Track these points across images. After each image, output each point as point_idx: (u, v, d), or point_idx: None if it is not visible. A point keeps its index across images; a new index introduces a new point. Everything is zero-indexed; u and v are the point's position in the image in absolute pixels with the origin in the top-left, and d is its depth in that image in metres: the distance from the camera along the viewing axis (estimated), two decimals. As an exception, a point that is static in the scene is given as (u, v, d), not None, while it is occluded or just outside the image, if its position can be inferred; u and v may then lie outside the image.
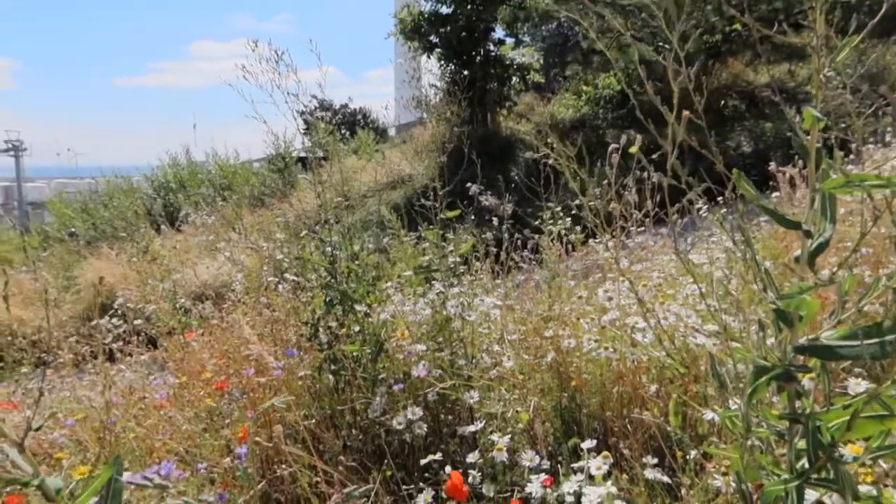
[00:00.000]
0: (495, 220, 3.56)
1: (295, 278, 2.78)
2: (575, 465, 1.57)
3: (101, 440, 2.10)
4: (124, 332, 3.45)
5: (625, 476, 1.64)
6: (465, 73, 12.89)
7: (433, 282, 2.44)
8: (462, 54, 12.81)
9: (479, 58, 12.91)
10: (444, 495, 1.53)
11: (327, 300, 2.29)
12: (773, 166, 3.86)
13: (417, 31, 12.84)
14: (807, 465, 0.77)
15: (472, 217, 3.31)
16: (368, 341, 2.22)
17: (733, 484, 0.92)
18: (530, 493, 1.51)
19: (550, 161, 1.22)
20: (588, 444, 1.59)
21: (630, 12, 10.92)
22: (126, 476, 1.14)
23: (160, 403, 2.39)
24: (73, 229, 14.43)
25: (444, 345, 2.25)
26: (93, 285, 8.36)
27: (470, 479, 1.69)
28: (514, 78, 13.41)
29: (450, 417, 2.16)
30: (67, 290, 9.45)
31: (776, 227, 3.34)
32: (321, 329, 2.28)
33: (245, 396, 2.25)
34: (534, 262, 3.41)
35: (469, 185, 3.84)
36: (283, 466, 1.89)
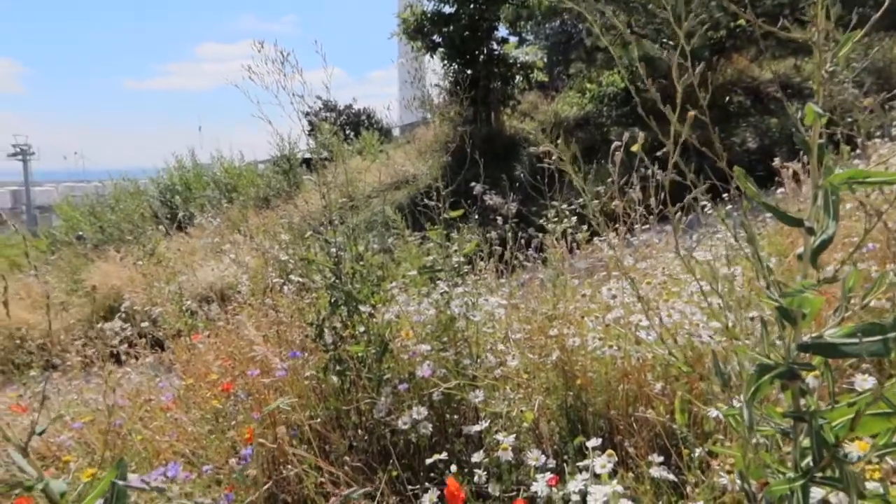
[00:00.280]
0: (499, 220, 3.55)
1: (300, 279, 2.79)
2: (580, 464, 1.57)
3: (108, 443, 2.11)
4: (130, 334, 3.46)
5: (630, 474, 1.63)
6: (469, 72, 12.89)
7: (437, 281, 2.44)
8: (465, 53, 12.80)
9: (482, 57, 12.90)
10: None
11: (332, 301, 2.29)
12: (777, 162, 3.84)
13: (420, 31, 12.85)
14: (812, 464, 0.77)
15: (477, 216, 3.31)
16: (373, 342, 2.22)
17: (738, 482, 0.92)
18: (536, 493, 1.51)
19: (553, 158, 1.21)
20: (593, 442, 1.58)
21: (634, 9, 10.88)
22: (132, 478, 1.15)
23: (166, 405, 2.40)
24: (80, 233, 14.51)
25: (448, 344, 2.25)
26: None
27: (476, 478, 1.69)
28: (517, 77, 13.39)
29: (455, 417, 2.16)
30: (75, 294, 9.50)
31: (782, 224, 3.32)
32: (326, 330, 2.28)
33: (250, 398, 2.26)
34: (538, 261, 3.41)
35: (473, 184, 3.84)
36: (290, 467, 1.89)
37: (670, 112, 0.93)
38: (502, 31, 13.59)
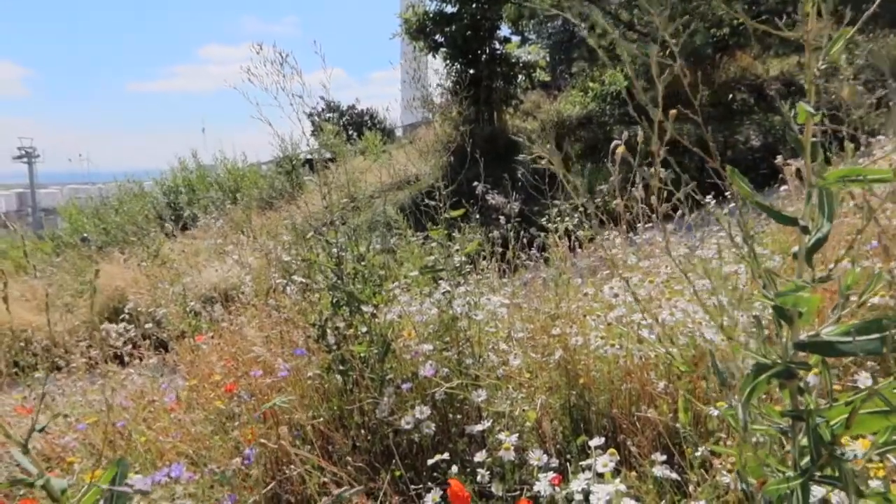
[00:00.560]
0: (502, 219, 3.55)
1: (302, 280, 2.79)
2: (583, 463, 1.57)
3: (112, 444, 2.11)
4: (134, 335, 3.47)
5: (633, 473, 1.63)
6: (471, 71, 12.89)
7: (440, 281, 2.44)
8: (467, 53, 12.81)
9: (484, 56, 12.90)
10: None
11: (334, 301, 2.30)
12: (780, 160, 3.82)
13: (422, 31, 12.85)
14: (810, 463, 0.76)
15: (479, 216, 3.31)
16: (375, 342, 2.22)
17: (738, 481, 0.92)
18: (539, 492, 1.51)
19: (543, 163, 1.21)
20: (596, 441, 1.58)
21: (636, 6, 10.86)
22: (135, 479, 1.15)
23: (170, 406, 2.40)
24: (85, 234, 14.57)
25: (450, 344, 2.25)
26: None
27: (478, 478, 1.69)
28: (519, 76, 13.39)
29: (458, 417, 2.16)
30: (81, 295, 9.54)
31: (786, 221, 3.30)
32: (329, 330, 2.28)
33: (253, 398, 2.26)
34: (540, 261, 3.40)
35: (475, 183, 3.84)
36: (293, 467, 1.89)
37: (656, 112, 0.93)
38: (504, 30, 13.61)
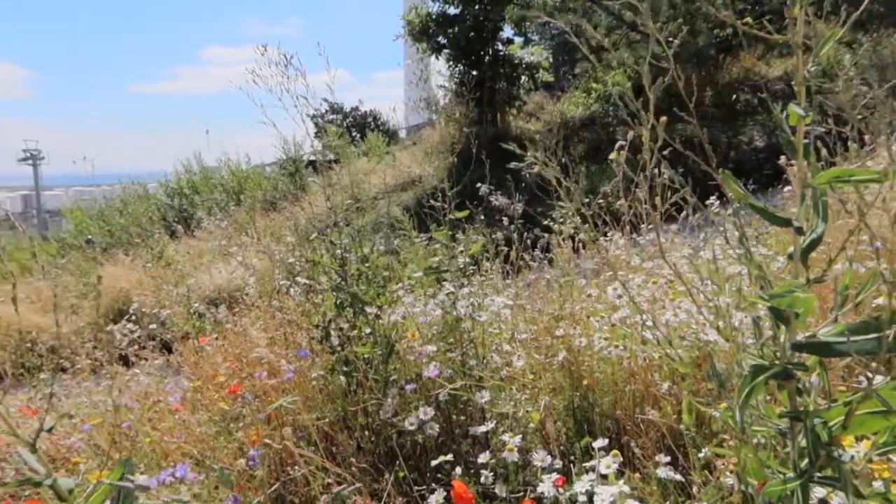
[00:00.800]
0: (505, 220, 3.55)
1: (306, 281, 2.80)
2: (587, 465, 1.57)
3: (117, 444, 2.12)
4: (139, 337, 3.49)
5: (637, 475, 1.63)
6: (474, 73, 12.90)
7: (443, 282, 2.44)
8: (470, 54, 12.81)
9: (487, 58, 12.90)
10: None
11: (338, 302, 2.30)
12: (783, 160, 3.81)
13: (425, 33, 12.86)
14: (809, 464, 0.76)
15: (483, 217, 3.31)
16: (379, 343, 2.23)
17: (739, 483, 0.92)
18: (542, 493, 1.51)
19: (536, 170, 1.21)
20: (600, 443, 1.58)
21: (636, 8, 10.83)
22: (140, 479, 1.16)
23: (175, 407, 2.41)
24: (89, 236, 14.63)
25: (454, 345, 2.25)
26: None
27: (482, 479, 1.69)
28: (523, 77, 13.39)
29: (461, 418, 2.16)
30: (85, 297, 9.58)
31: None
32: (332, 331, 2.29)
33: (257, 400, 2.27)
34: (544, 262, 3.40)
35: (479, 185, 3.84)
36: (297, 468, 1.90)
37: (648, 117, 0.93)
38: (507, 31, 13.59)
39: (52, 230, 19.81)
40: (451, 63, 13.18)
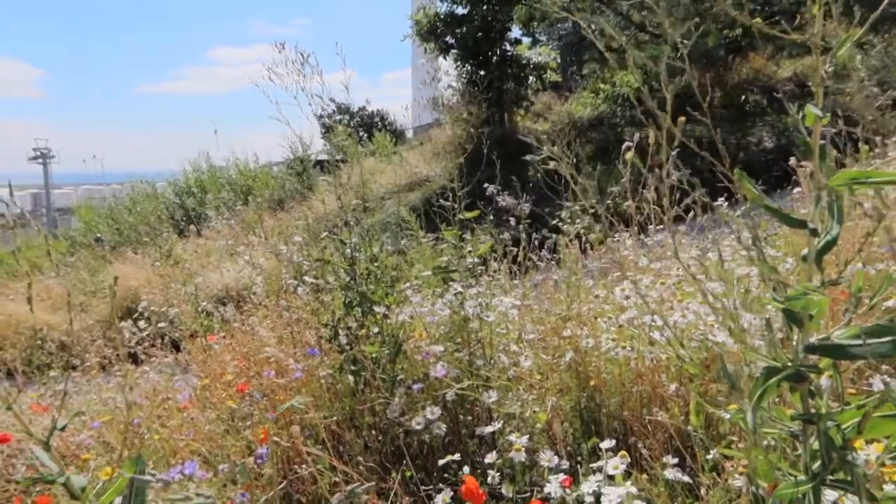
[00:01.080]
0: (513, 220, 3.55)
1: (314, 280, 2.81)
2: (594, 465, 1.57)
3: (126, 441, 2.14)
4: (148, 335, 3.51)
5: (644, 476, 1.63)
6: (482, 73, 12.88)
7: (451, 282, 2.44)
8: (478, 55, 12.81)
9: (495, 58, 12.89)
10: (462, 496, 1.54)
11: (346, 301, 2.31)
12: (793, 161, 3.78)
13: (433, 33, 12.87)
14: (821, 467, 0.76)
15: (491, 217, 3.31)
16: (387, 342, 2.23)
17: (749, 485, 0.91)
18: (549, 494, 1.51)
19: (552, 165, 1.21)
20: (607, 443, 1.58)
21: (647, 8, 10.81)
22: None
23: (183, 405, 2.43)
24: (98, 234, 14.74)
25: (462, 345, 2.25)
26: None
27: (489, 479, 1.69)
28: (531, 77, 13.36)
29: (468, 418, 2.16)
30: (94, 295, 9.65)
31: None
32: (341, 330, 2.30)
33: (265, 398, 2.28)
34: (552, 262, 3.40)
35: (487, 185, 3.84)
36: (304, 467, 1.91)
37: (665, 117, 0.93)
38: (515, 31, 13.58)
39: (62, 228, 19.96)
40: (458, 63, 13.18)
